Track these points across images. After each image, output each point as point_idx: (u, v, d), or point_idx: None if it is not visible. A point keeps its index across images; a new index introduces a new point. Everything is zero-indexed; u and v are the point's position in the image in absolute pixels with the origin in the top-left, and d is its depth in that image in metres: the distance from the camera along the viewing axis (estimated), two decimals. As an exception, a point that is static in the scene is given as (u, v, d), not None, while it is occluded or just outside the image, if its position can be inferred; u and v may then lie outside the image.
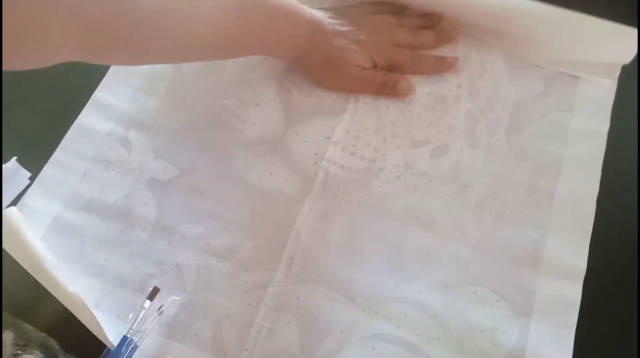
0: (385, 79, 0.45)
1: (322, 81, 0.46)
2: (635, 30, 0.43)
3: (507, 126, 0.45)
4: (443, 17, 0.47)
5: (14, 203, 0.42)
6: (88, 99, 0.46)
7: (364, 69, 0.45)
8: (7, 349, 0.36)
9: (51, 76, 0.48)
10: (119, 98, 0.46)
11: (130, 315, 0.38)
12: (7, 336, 0.36)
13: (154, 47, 0.36)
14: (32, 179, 0.43)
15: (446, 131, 0.45)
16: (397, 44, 0.46)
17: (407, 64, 0.46)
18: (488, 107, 0.46)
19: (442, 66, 0.46)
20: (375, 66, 0.46)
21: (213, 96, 0.47)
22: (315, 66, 0.45)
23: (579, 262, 0.40)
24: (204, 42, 0.38)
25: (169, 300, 0.39)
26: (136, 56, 0.37)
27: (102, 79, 0.47)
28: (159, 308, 0.38)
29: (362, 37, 0.45)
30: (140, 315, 0.37)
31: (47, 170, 0.43)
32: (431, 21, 0.47)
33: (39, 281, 0.39)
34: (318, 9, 0.46)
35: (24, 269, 0.39)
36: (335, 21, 0.45)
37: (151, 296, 0.38)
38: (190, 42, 0.37)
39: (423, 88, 0.46)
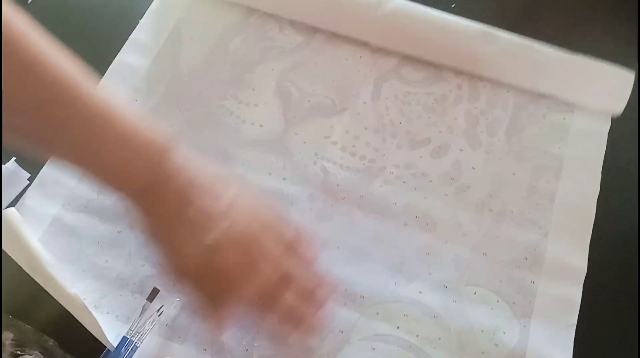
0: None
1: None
2: (631, 77, 0.44)
3: (507, 126, 0.45)
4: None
5: (13, 203, 0.42)
6: (87, 100, 0.46)
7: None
8: (7, 349, 0.35)
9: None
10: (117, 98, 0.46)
11: (131, 315, 0.38)
12: (7, 336, 0.36)
13: None
14: (31, 179, 0.43)
15: (446, 131, 0.45)
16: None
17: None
18: (488, 107, 0.46)
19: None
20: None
21: (212, 96, 0.47)
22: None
23: (580, 262, 0.40)
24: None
25: (170, 301, 0.39)
26: None
27: (100, 79, 0.47)
28: (159, 309, 0.38)
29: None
30: (140, 316, 0.37)
31: (46, 171, 0.43)
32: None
33: (38, 282, 0.39)
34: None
35: (23, 270, 0.39)
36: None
37: (150, 297, 0.38)
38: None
39: (423, 88, 0.46)
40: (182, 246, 0.31)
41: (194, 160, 0.32)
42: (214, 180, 0.32)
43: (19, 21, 0.28)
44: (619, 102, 0.44)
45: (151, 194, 0.30)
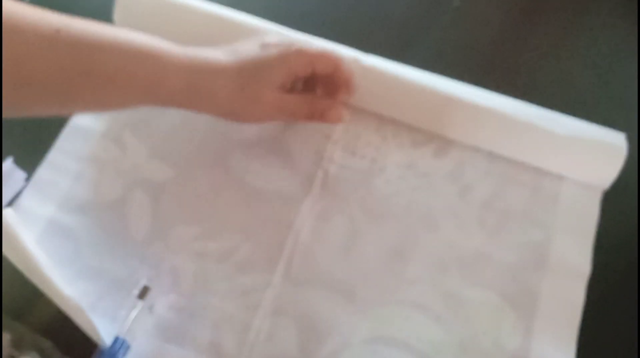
0: (313, 108, 0.40)
1: (236, 115, 0.39)
2: (622, 151, 0.40)
3: (510, 125, 0.44)
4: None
5: (9, 204, 0.42)
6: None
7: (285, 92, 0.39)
8: (5, 351, 0.35)
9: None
10: (115, 97, 0.46)
11: (122, 313, 0.38)
12: (5, 338, 0.36)
13: None
14: (27, 180, 0.43)
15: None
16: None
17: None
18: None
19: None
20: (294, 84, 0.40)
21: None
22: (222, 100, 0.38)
23: (583, 264, 0.40)
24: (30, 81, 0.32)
25: (162, 299, 0.39)
26: None
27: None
28: (151, 307, 0.38)
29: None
30: (131, 315, 0.37)
31: (42, 171, 0.43)
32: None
33: (35, 283, 0.39)
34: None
35: (19, 271, 0.39)
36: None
37: (142, 295, 0.38)
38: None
39: (424, 86, 0.46)
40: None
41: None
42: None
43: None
44: (607, 177, 0.41)
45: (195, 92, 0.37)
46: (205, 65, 0.37)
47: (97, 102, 0.36)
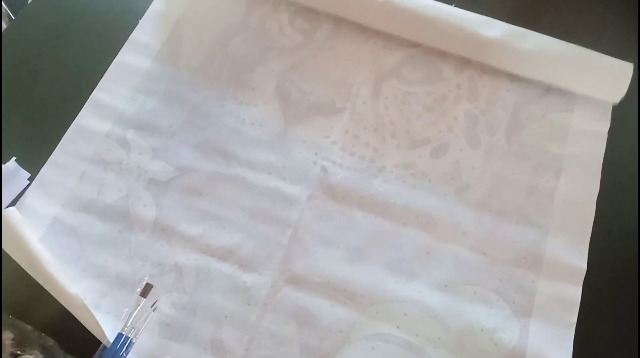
0: None
1: None
2: (630, 67, 0.44)
3: (506, 126, 0.45)
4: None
5: (13, 203, 0.42)
6: (86, 99, 0.46)
7: None
8: (7, 349, 0.35)
9: (49, 75, 0.47)
10: (117, 98, 0.46)
11: (125, 310, 0.38)
12: (7, 336, 0.36)
13: None
14: (31, 179, 0.43)
15: (446, 131, 0.45)
16: None
17: None
18: (488, 107, 0.46)
19: None
20: None
21: (212, 96, 0.47)
22: None
23: (579, 262, 0.40)
24: None
25: (164, 297, 0.39)
26: None
27: (100, 79, 0.47)
28: (153, 305, 0.38)
29: None
30: (134, 312, 0.37)
31: (46, 171, 0.43)
32: None
33: (39, 282, 0.39)
34: None
35: (22, 269, 0.39)
36: None
37: (144, 293, 0.38)
38: None
39: (423, 87, 0.46)
40: None
41: None
42: None
43: None
44: (618, 92, 0.44)
45: None
46: None
47: None
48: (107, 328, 0.37)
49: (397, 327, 0.39)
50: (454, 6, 0.48)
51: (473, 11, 0.46)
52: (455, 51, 0.47)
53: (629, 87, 0.45)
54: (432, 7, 0.46)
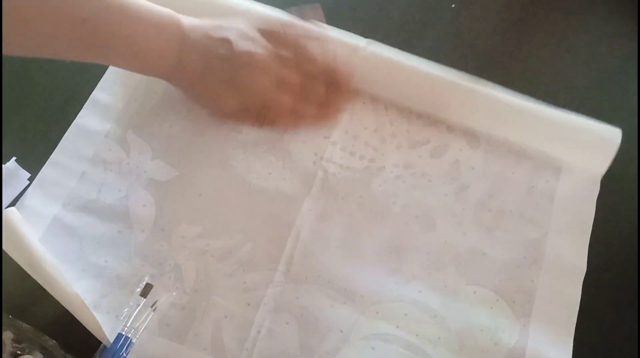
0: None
1: (219, 101, 0.42)
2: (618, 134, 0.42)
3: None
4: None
5: (13, 203, 0.42)
6: (86, 100, 0.46)
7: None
8: (7, 349, 0.35)
9: (49, 75, 0.47)
10: (117, 98, 0.46)
11: (125, 311, 0.38)
12: (7, 336, 0.36)
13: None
14: (31, 179, 0.43)
15: (445, 131, 0.45)
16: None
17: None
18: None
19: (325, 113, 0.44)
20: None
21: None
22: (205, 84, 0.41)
23: (579, 262, 0.40)
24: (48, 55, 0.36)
25: (164, 297, 0.39)
26: None
27: (100, 79, 0.47)
28: (153, 305, 0.38)
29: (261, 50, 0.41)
30: (134, 312, 0.37)
31: (46, 171, 0.43)
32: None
33: (39, 282, 0.39)
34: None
35: (22, 270, 0.39)
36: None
37: (144, 293, 0.38)
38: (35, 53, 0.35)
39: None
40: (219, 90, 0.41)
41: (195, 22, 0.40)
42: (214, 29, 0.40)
43: None
44: (604, 161, 0.42)
45: (180, 65, 0.40)
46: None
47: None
48: (107, 328, 0.37)
49: (397, 326, 0.39)
50: (453, 6, 0.48)
51: (470, 10, 0.46)
52: (430, 111, 0.45)
53: (629, 85, 0.45)
54: (405, 65, 0.44)
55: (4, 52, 0.33)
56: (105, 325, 0.37)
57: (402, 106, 0.45)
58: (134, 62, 0.40)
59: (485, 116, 0.44)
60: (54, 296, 0.38)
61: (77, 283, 0.39)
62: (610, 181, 0.43)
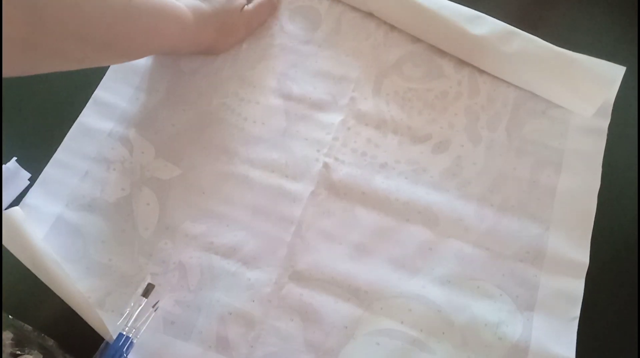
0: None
1: (213, 48, 0.48)
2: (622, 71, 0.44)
3: (507, 122, 0.45)
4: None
5: (14, 203, 0.42)
6: (88, 99, 0.46)
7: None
8: (7, 349, 0.35)
9: (50, 75, 0.47)
10: (119, 97, 0.46)
11: (127, 310, 0.38)
12: (6, 336, 0.36)
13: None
14: (32, 179, 0.43)
15: (447, 127, 0.45)
16: None
17: None
18: (488, 103, 0.46)
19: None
20: None
21: (213, 94, 0.47)
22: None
23: (581, 256, 0.40)
24: (91, 37, 0.36)
25: (169, 295, 0.39)
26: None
27: (102, 78, 0.47)
28: (155, 305, 0.38)
29: None
30: (136, 312, 0.38)
31: (49, 170, 0.43)
32: None
33: (43, 281, 0.39)
34: None
35: (22, 270, 0.39)
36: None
37: (146, 293, 0.38)
38: (79, 36, 0.36)
39: (424, 84, 0.47)
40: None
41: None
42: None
43: None
44: (605, 94, 0.44)
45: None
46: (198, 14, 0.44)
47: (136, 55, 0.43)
48: (111, 326, 0.37)
49: (401, 322, 0.39)
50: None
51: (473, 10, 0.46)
52: (449, 50, 0.47)
53: (630, 85, 0.45)
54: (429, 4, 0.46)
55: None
56: (109, 323, 0.37)
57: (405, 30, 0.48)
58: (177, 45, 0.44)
59: (493, 57, 0.45)
60: (59, 295, 0.38)
61: (81, 281, 0.39)
62: (611, 176, 0.43)
